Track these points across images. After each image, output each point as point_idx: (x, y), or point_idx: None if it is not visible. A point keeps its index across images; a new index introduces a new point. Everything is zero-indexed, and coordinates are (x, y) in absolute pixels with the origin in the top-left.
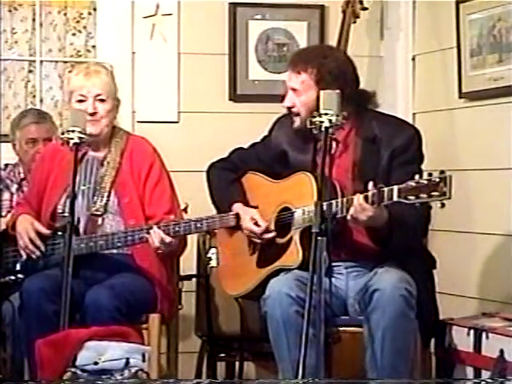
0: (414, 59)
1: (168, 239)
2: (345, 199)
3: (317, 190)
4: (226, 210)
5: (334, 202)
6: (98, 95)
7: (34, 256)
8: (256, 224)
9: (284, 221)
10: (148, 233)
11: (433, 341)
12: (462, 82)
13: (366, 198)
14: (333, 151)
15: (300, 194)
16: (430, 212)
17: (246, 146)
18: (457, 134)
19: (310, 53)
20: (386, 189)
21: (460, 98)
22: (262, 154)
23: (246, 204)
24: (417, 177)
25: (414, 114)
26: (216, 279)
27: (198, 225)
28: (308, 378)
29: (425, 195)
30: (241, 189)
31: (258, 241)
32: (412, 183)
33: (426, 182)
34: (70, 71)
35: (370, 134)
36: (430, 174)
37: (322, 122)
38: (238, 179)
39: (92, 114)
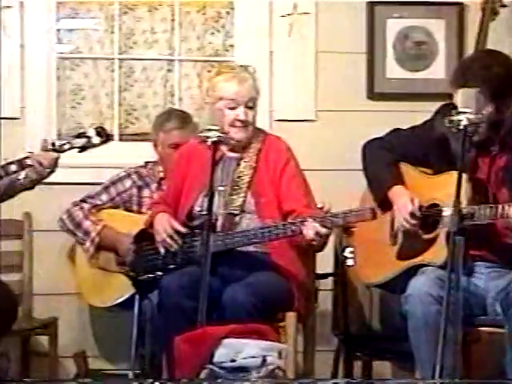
0: None
1: (323, 230)
2: (500, 207)
3: (458, 189)
4: (381, 192)
5: (481, 206)
6: (248, 102)
7: (172, 249)
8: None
9: (431, 217)
10: (300, 225)
11: None
12: None
13: None
14: (493, 153)
15: (451, 193)
16: None
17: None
18: None
19: (474, 65)
20: None
21: None
22: (422, 137)
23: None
24: None
25: None
26: (352, 275)
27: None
28: (445, 378)
29: None
30: (399, 171)
31: (406, 225)
32: None
33: None
34: (208, 71)
35: None
36: None
37: (460, 120)
38: (395, 161)
39: (242, 121)
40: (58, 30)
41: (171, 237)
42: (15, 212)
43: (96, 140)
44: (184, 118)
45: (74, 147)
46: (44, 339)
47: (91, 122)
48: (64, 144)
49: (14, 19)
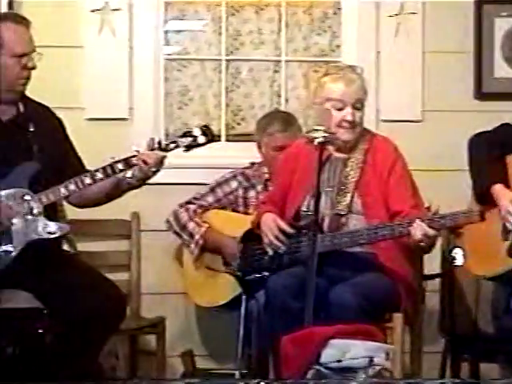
0: None
1: (431, 232)
2: None
3: None
4: (482, 189)
5: None
6: (356, 103)
7: (280, 251)
8: None
9: None
10: (408, 226)
11: None
12: None
13: None
14: None
15: None
16: None
17: None
18: None
19: None
20: None
21: None
22: None
23: (506, 186)
24: None
25: None
26: (461, 272)
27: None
28: None
29: None
30: (502, 168)
31: (510, 227)
32: None
33: None
34: (315, 71)
35: None
36: None
37: None
38: (500, 156)
39: (349, 122)
40: (166, 32)
41: (278, 238)
42: (123, 212)
43: (201, 139)
44: (287, 121)
45: (180, 146)
46: (152, 338)
47: (198, 122)
48: (170, 143)
49: (123, 21)
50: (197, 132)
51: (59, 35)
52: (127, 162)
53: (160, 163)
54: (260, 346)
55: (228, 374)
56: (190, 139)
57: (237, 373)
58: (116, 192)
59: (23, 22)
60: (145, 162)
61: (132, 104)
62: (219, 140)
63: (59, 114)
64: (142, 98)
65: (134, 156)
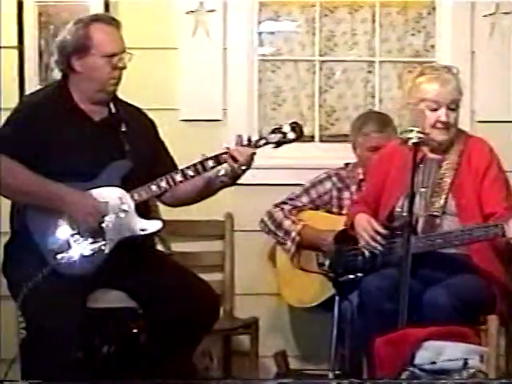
0: None
1: None
2: None
3: None
4: None
5: None
6: (451, 104)
7: (376, 252)
8: None
9: None
10: (502, 228)
11: None
12: None
13: None
14: None
15: None
16: None
17: None
18: None
19: None
20: None
21: None
22: None
23: None
24: None
25: None
26: None
27: None
28: None
29: None
30: None
31: None
32: None
33: None
34: (409, 71)
35: None
36: None
37: None
38: None
39: (444, 123)
40: (260, 33)
41: (374, 239)
42: (217, 213)
43: (291, 135)
44: (383, 121)
45: (269, 143)
46: (245, 339)
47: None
48: (259, 139)
49: (217, 22)
50: (286, 128)
51: (154, 37)
52: (217, 159)
53: (250, 160)
54: (353, 347)
55: (321, 374)
56: (279, 136)
57: (330, 373)
58: (208, 190)
59: (113, 22)
60: (235, 159)
61: (226, 105)
62: (313, 141)
63: (154, 115)
64: (236, 99)
65: (224, 153)
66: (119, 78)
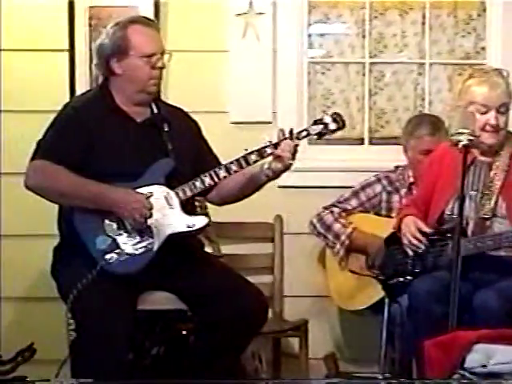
0: None
1: None
2: None
3: None
4: None
5: None
6: (500, 107)
7: (419, 251)
8: None
9: None
10: None
11: None
12: None
13: None
14: None
15: None
16: None
17: None
18: None
19: None
20: None
21: None
22: None
23: None
24: None
25: None
26: None
27: None
28: None
29: None
30: None
31: None
32: None
33: None
34: (459, 74)
35: None
36: None
37: None
38: None
39: (493, 126)
40: (310, 35)
41: (416, 237)
42: (267, 215)
43: (332, 126)
44: (435, 124)
45: (311, 134)
46: (295, 341)
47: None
48: (301, 131)
49: (267, 25)
50: (327, 119)
51: (204, 40)
52: (260, 153)
53: (293, 152)
54: (403, 350)
55: (371, 377)
56: (321, 127)
57: (380, 376)
58: (253, 186)
59: (150, 23)
60: (278, 154)
61: (275, 108)
62: (362, 143)
63: (204, 117)
64: (286, 101)
65: (266, 146)
66: (159, 78)
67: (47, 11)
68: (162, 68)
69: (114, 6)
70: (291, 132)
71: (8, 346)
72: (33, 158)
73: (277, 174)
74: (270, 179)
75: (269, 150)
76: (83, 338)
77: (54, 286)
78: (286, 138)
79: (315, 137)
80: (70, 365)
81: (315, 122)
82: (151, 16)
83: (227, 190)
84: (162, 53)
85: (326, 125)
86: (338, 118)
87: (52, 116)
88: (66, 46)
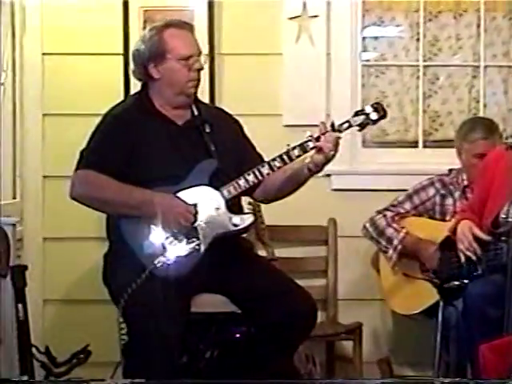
0: None
1: None
2: None
3: None
4: None
5: None
6: None
7: (473, 258)
8: None
9: None
10: None
11: None
12: None
13: None
14: None
15: None
16: None
17: None
18: None
19: None
20: None
21: None
22: None
23: None
24: None
25: None
26: None
27: None
28: None
29: None
30: None
31: None
32: None
33: None
34: None
35: None
36: None
37: None
38: None
39: None
40: (364, 38)
41: (471, 244)
42: (320, 218)
43: (374, 116)
44: (489, 128)
45: (353, 125)
46: (348, 344)
47: (395, 128)
48: (343, 123)
49: (321, 28)
50: (368, 109)
51: (258, 43)
52: (303, 147)
53: (336, 144)
54: (458, 354)
55: (425, 381)
56: (362, 117)
57: (435, 380)
58: (297, 181)
59: (186, 26)
60: (320, 146)
61: (329, 110)
62: (416, 146)
63: (257, 120)
64: (340, 104)
65: (308, 140)
66: (198, 80)
67: (101, 14)
68: (199, 69)
69: (168, 8)
70: (333, 124)
71: (62, 349)
72: (77, 168)
73: (319, 167)
74: (312, 173)
75: (311, 144)
76: (135, 342)
77: (106, 291)
78: (327, 131)
79: (357, 128)
80: (122, 368)
81: (356, 113)
82: (205, 19)
83: (272, 187)
84: (199, 54)
85: (367, 115)
86: (378, 108)
87: None
88: (121, 50)
